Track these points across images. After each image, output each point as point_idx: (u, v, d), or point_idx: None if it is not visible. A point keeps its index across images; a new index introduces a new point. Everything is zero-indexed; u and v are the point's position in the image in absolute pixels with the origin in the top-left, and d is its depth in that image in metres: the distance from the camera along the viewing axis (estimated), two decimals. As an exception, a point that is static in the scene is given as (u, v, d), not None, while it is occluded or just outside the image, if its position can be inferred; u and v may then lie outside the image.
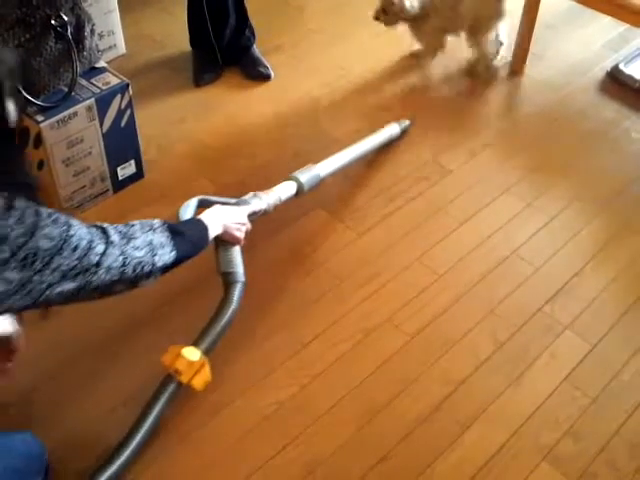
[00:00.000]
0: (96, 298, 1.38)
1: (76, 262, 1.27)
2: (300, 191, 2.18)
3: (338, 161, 2.35)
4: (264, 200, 2.03)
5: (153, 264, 1.44)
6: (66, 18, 2.08)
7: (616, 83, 2.97)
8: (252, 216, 1.98)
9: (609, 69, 3.01)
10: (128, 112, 2.29)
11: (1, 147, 1.42)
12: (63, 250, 1.24)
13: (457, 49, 3.02)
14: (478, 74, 2.97)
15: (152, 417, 1.70)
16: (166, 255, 1.48)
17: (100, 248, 1.32)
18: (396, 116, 2.68)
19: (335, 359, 1.96)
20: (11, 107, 1.31)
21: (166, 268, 1.50)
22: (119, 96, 2.24)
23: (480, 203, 2.43)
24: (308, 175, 2.20)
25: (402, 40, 3.04)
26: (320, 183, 2.26)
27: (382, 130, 2.57)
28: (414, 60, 3.06)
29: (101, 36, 2.82)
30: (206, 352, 1.76)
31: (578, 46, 3.19)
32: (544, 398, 1.88)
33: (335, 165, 2.33)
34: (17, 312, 1.33)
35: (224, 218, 1.82)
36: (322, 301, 2.10)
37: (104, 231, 1.36)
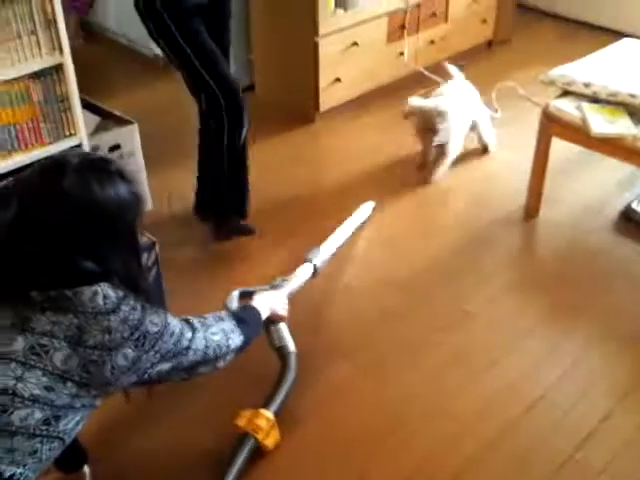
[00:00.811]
0: (182, 379, 1.68)
1: (172, 346, 1.58)
2: (315, 273, 2.54)
3: (338, 242, 2.76)
4: (292, 283, 2.39)
5: (228, 346, 1.76)
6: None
7: (630, 222, 3.02)
8: (287, 297, 2.32)
9: (622, 209, 3.07)
10: (154, 270, 2.36)
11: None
12: (164, 335, 1.54)
13: (471, 201, 3.10)
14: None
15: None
16: (236, 338, 1.80)
17: (188, 334, 1.64)
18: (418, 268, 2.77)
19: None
20: None
21: (238, 349, 1.81)
22: (145, 254, 2.31)
23: (503, 348, 2.44)
24: (320, 260, 2.57)
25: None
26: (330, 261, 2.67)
27: (357, 211, 2.98)
28: (422, 168, 3.40)
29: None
30: (274, 414, 2.04)
31: (590, 187, 3.27)
32: None
33: (336, 246, 2.74)
34: (121, 389, 1.57)
35: (269, 302, 2.15)
36: (342, 458, 2.08)
37: (188, 321, 1.68)
